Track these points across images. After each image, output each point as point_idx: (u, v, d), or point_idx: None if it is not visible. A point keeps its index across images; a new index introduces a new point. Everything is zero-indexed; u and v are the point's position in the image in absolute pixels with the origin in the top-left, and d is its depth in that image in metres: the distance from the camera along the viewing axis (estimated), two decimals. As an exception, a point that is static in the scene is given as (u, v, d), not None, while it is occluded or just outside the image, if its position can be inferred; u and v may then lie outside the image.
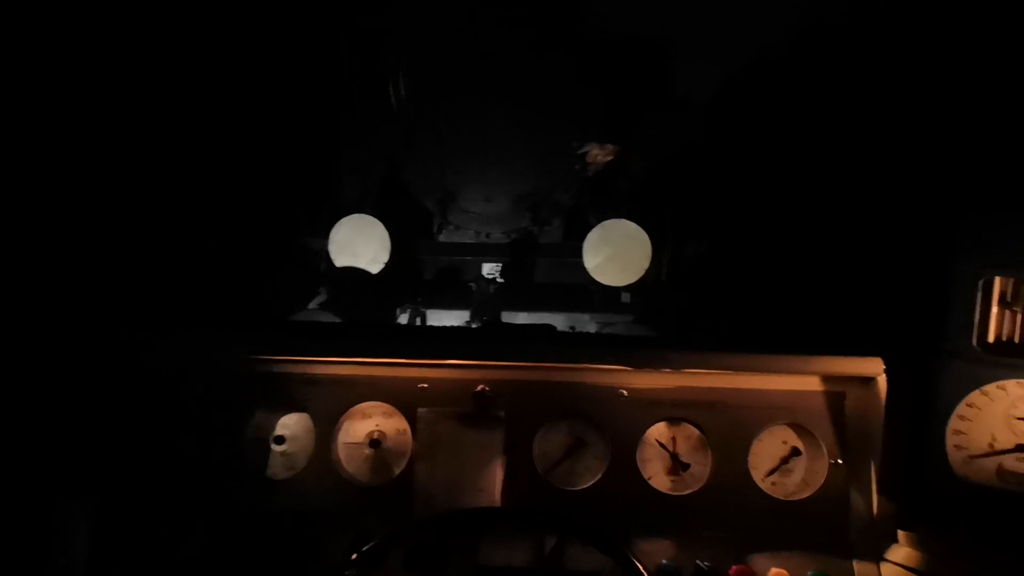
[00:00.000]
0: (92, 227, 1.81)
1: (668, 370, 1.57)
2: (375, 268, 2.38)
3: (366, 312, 2.38)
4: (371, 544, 1.42)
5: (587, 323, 2.47)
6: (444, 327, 2.28)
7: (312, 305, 2.43)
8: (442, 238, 2.63)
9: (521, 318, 2.41)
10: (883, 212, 1.69)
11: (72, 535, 1.59)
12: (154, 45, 1.94)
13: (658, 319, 2.37)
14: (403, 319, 2.44)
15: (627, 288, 2.41)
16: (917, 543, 1.44)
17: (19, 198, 1.65)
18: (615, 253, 2.33)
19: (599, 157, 2.54)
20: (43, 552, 1.57)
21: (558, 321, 2.41)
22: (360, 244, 2.38)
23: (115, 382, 1.67)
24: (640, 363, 1.55)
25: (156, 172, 2.02)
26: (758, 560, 1.50)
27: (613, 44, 2.51)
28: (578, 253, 2.33)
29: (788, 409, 1.57)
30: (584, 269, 2.34)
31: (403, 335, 2.00)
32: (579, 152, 2.53)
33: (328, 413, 1.65)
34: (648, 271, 2.31)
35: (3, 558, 1.52)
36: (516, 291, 2.51)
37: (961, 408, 1.40)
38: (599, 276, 2.34)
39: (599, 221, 2.34)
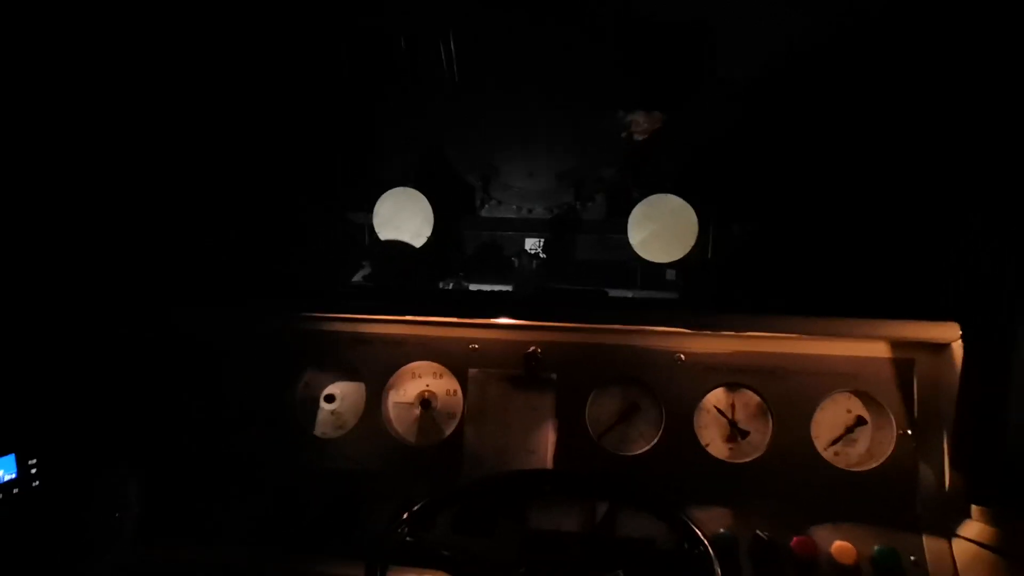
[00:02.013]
0: (142, 207, 1.84)
1: (728, 333, 1.52)
2: (418, 242, 2.37)
3: (409, 285, 2.37)
4: (422, 504, 1.40)
5: (631, 300, 2.43)
6: (495, 291, 2.25)
7: (356, 278, 2.43)
8: (484, 213, 2.60)
9: (564, 293, 2.37)
10: (956, 175, 1.61)
11: (124, 496, 1.62)
12: (191, 26, 1.95)
13: (704, 297, 2.31)
14: (446, 292, 2.43)
15: (672, 265, 2.35)
16: (992, 518, 1.37)
17: (76, 176, 1.68)
18: (660, 229, 2.27)
19: (645, 126, 2.48)
20: (95, 511, 1.60)
21: (602, 297, 2.37)
22: (404, 218, 2.38)
23: (171, 350, 1.70)
24: (699, 325, 1.51)
25: (198, 154, 2.04)
26: (820, 532, 1.44)
27: (658, 23, 2.46)
28: (622, 229, 2.27)
29: (853, 376, 1.51)
30: (628, 245, 2.29)
31: (454, 296, 1.99)
32: (625, 121, 2.48)
33: (378, 373, 1.65)
34: (694, 247, 2.25)
35: (59, 518, 1.55)
36: (558, 267, 2.47)
37: (1043, 376, 1.33)
38: (644, 252, 2.27)
39: (643, 196, 2.28)
